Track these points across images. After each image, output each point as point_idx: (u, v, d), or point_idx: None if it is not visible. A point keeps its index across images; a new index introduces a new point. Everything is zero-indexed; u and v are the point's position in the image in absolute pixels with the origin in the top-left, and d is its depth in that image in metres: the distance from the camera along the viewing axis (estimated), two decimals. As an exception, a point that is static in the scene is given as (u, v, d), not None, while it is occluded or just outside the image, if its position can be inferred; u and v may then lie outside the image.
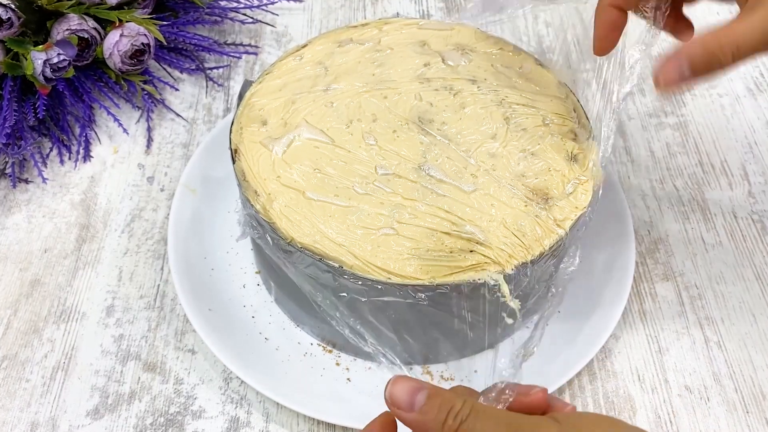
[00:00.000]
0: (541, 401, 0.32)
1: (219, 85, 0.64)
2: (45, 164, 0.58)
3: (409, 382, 0.31)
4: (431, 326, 0.44)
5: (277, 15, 0.70)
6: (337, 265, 0.39)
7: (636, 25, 0.69)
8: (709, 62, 0.35)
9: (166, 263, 0.52)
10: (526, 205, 0.41)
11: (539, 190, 0.42)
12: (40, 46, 0.55)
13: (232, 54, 0.65)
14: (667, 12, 0.40)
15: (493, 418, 0.29)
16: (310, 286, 0.42)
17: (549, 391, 0.43)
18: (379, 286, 0.39)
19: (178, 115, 0.62)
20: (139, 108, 0.62)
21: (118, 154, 0.59)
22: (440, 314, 0.43)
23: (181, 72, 0.64)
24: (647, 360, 0.48)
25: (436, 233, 0.40)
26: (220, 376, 0.47)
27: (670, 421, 0.45)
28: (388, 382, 0.31)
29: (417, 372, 0.47)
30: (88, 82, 0.60)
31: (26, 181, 0.57)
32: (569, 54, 0.68)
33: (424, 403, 0.30)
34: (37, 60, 0.54)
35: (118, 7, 0.59)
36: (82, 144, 0.59)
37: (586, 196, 0.42)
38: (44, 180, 0.57)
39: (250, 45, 0.67)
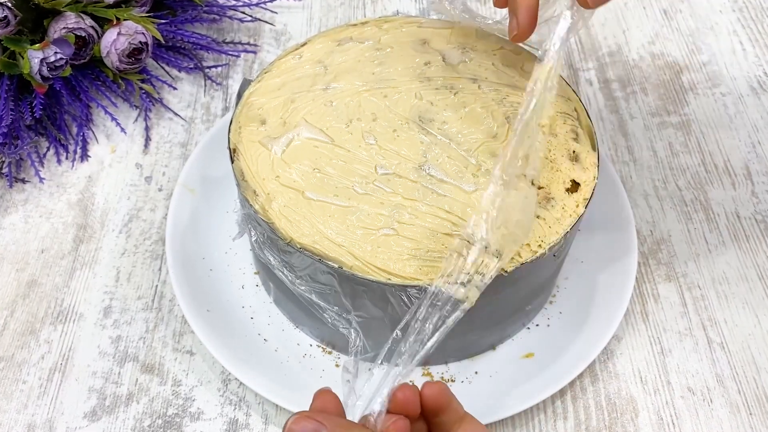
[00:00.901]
0: (436, 397, 0.32)
1: (217, 84, 0.64)
2: (42, 164, 0.57)
3: (310, 422, 0.30)
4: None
5: (276, 13, 0.70)
6: (336, 265, 0.39)
7: (636, 20, 0.69)
8: None
9: (164, 264, 0.52)
10: (527, 205, 0.41)
11: (540, 190, 0.42)
12: (37, 45, 0.54)
13: (230, 53, 0.65)
14: None
15: None
16: (305, 285, 0.42)
17: (551, 393, 0.43)
18: (379, 287, 0.39)
19: (176, 114, 0.62)
20: (136, 107, 0.62)
21: (116, 153, 0.59)
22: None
23: (179, 71, 0.64)
24: (649, 361, 0.48)
25: (437, 234, 0.40)
26: (219, 377, 0.47)
27: (673, 423, 0.45)
28: (288, 420, 0.31)
29: (417, 373, 0.46)
30: (86, 81, 0.59)
31: (23, 181, 0.57)
32: (571, 53, 0.68)
33: None
34: (34, 59, 0.54)
35: (115, 5, 0.58)
36: (80, 143, 0.58)
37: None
38: (41, 180, 0.56)
39: (248, 43, 0.67)
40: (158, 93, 0.62)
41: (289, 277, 0.42)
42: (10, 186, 0.56)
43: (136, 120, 0.61)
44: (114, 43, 0.57)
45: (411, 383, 0.33)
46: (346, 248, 0.39)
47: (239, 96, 0.47)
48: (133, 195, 0.56)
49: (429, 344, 0.36)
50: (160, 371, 0.47)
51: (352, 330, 0.42)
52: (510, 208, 0.38)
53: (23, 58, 0.54)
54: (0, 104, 0.54)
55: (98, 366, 0.47)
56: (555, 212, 0.41)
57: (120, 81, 0.60)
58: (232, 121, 0.45)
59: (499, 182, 0.38)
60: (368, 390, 0.33)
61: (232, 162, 0.43)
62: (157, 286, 0.51)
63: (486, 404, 0.44)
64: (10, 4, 0.54)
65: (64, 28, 0.56)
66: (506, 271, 0.39)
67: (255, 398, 0.46)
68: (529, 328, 0.48)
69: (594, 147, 0.45)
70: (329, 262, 0.39)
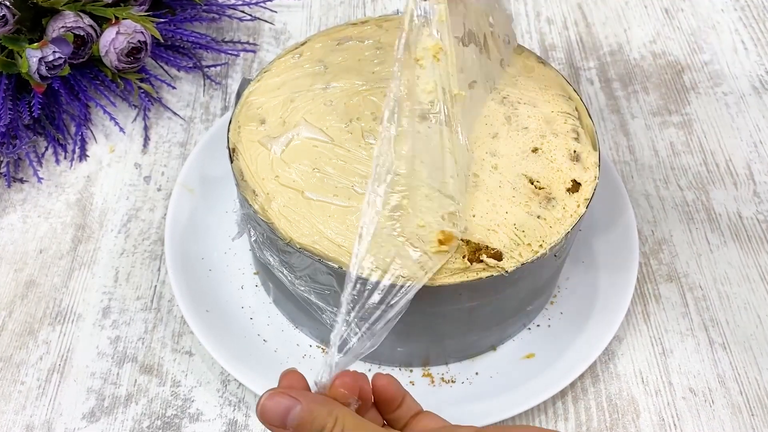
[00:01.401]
0: (385, 387, 0.34)
1: (217, 84, 0.64)
2: (40, 163, 0.57)
3: (283, 398, 0.31)
4: (431, 327, 0.43)
5: (275, 12, 0.69)
6: (336, 265, 0.39)
7: (636, 17, 0.69)
8: None
9: (163, 264, 0.52)
10: (527, 205, 0.41)
11: (541, 190, 0.42)
12: (36, 44, 0.54)
13: (230, 52, 0.65)
14: None
15: None
16: (305, 285, 0.41)
17: (552, 393, 0.43)
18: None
19: (175, 113, 0.61)
20: (135, 107, 0.62)
21: (115, 153, 0.59)
22: (440, 315, 0.42)
23: (178, 70, 0.64)
24: (651, 362, 0.47)
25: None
26: (218, 378, 0.46)
27: (674, 424, 0.45)
28: (261, 397, 0.31)
29: (417, 374, 0.46)
30: (84, 81, 0.59)
31: (21, 181, 0.56)
32: (572, 51, 0.68)
33: (297, 423, 0.30)
34: (32, 58, 0.54)
35: (114, 4, 0.58)
36: (78, 143, 0.58)
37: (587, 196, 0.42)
38: (39, 179, 0.56)
39: (248, 43, 0.67)
40: (157, 92, 0.62)
41: (289, 278, 0.42)
42: (9, 186, 0.56)
43: (134, 119, 0.61)
44: (113, 42, 0.56)
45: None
46: (346, 248, 0.39)
47: (238, 95, 0.47)
48: (132, 195, 0.56)
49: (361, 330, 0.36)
50: (159, 372, 0.47)
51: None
52: (407, 148, 0.37)
53: (21, 57, 0.54)
54: (-2, 104, 0.54)
55: (97, 367, 0.47)
56: (556, 212, 0.41)
57: (119, 80, 0.59)
58: (232, 121, 0.45)
59: (386, 124, 0.37)
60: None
61: (232, 162, 0.43)
62: (156, 286, 0.51)
63: (486, 405, 0.43)
64: (8, 3, 0.54)
65: (62, 27, 0.55)
66: (507, 271, 0.39)
67: (254, 399, 0.46)
68: (530, 328, 0.48)
69: (595, 147, 0.44)
70: (329, 263, 0.39)
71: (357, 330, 0.35)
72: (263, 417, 0.31)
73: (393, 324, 0.36)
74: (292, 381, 0.33)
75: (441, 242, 0.38)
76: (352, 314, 0.35)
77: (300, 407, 0.30)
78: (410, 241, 0.37)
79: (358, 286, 0.36)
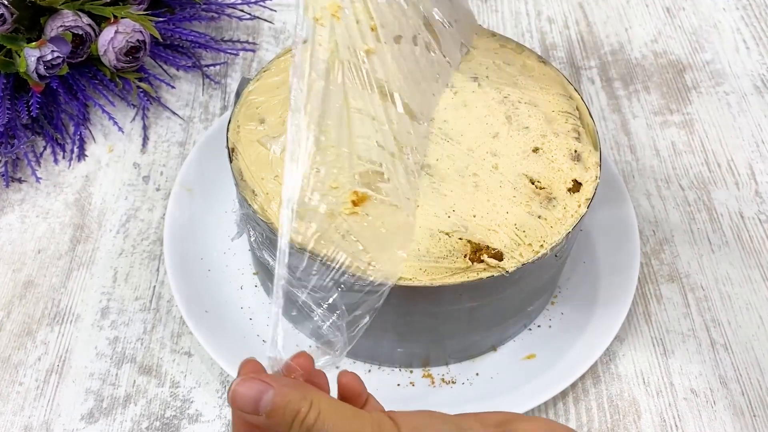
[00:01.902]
0: (350, 383, 0.33)
1: (216, 83, 0.63)
2: (38, 163, 0.57)
3: (255, 383, 0.30)
4: (431, 327, 0.43)
5: (275, 11, 0.69)
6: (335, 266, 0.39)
7: (637, 15, 0.69)
8: None
9: (161, 264, 0.52)
10: (528, 205, 0.41)
11: (542, 190, 0.41)
12: (34, 43, 0.54)
13: (229, 51, 0.64)
14: None
15: (339, 420, 0.30)
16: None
17: (553, 394, 0.43)
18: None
19: (174, 113, 0.61)
20: (134, 106, 0.61)
21: (113, 152, 0.58)
22: (441, 315, 0.42)
23: (177, 69, 0.63)
24: (652, 363, 0.47)
25: (437, 233, 0.39)
26: (217, 379, 0.46)
27: (676, 425, 0.45)
28: (232, 382, 0.30)
29: (417, 375, 0.46)
30: (83, 80, 0.59)
31: (19, 181, 0.56)
32: (573, 51, 0.67)
33: (270, 408, 0.29)
34: (31, 57, 0.53)
35: (113, 3, 0.58)
36: (77, 143, 0.58)
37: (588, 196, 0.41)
38: (38, 179, 0.56)
39: (247, 42, 0.67)
40: (156, 92, 0.62)
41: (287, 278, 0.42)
42: (7, 186, 0.56)
43: (133, 119, 0.61)
44: (111, 41, 0.56)
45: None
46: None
47: (238, 95, 0.47)
48: (131, 195, 0.56)
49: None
50: (158, 373, 0.46)
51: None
52: (314, 110, 0.37)
53: (20, 57, 0.54)
54: (-4, 103, 0.54)
55: (95, 367, 0.47)
56: (556, 212, 0.41)
57: (117, 80, 0.59)
58: (231, 120, 0.45)
59: (295, 89, 0.37)
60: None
61: (231, 161, 0.43)
62: (155, 286, 0.51)
63: (487, 406, 0.43)
64: (6, 2, 0.53)
65: (61, 26, 0.55)
66: (507, 271, 0.39)
67: (254, 400, 0.45)
68: (530, 329, 0.48)
69: (596, 146, 0.44)
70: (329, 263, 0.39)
71: (309, 303, 0.35)
72: (235, 403, 0.30)
73: (342, 302, 0.36)
74: (251, 370, 0.32)
75: (354, 203, 0.38)
76: (285, 280, 0.35)
77: (272, 392, 0.29)
78: (324, 202, 0.37)
79: (284, 252, 0.35)
